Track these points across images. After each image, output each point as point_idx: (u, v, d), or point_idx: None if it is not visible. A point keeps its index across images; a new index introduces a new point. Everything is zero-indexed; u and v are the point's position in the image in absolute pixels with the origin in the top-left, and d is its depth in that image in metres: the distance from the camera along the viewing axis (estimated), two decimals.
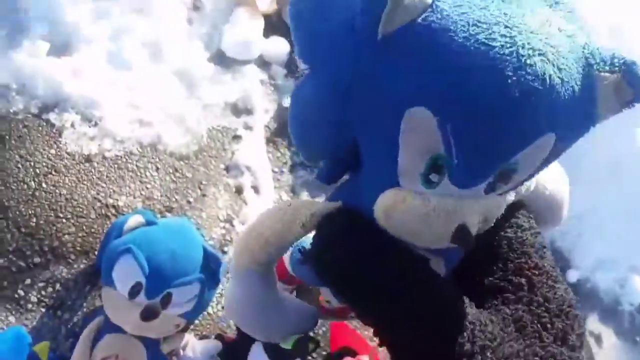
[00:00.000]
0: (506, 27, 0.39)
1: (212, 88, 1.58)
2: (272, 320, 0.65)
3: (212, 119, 1.55)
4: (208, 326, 1.27)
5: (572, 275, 1.77)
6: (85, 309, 1.19)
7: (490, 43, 0.39)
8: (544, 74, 0.39)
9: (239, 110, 1.59)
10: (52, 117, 1.37)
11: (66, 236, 1.24)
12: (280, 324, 0.66)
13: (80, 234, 1.26)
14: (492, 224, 0.50)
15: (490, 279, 0.54)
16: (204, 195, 1.43)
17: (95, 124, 1.40)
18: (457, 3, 0.40)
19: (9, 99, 1.36)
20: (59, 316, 1.18)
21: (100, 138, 1.39)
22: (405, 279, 0.49)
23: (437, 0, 0.41)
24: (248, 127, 1.58)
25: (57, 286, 1.20)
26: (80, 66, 1.45)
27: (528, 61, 0.39)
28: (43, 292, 1.19)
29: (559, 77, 0.40)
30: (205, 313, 1.27)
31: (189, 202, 1.40)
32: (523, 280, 0.53)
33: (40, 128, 1.36)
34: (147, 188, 1.38)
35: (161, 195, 1.38)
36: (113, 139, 1.40)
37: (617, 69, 0.43)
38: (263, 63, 1.68)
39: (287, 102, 1.66)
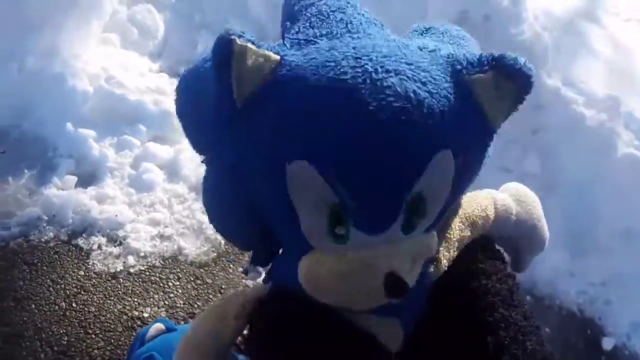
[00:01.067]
0: (355, 58, 0.39)
1: None
2: None
3: None
4: None
5: (608, 343, 1.72)
6: None
7: (341, 77, 0.38)
8: (406, 91, 0.38)
9: None
10: (80, 241, 1.50)
11: (95, 351, 1.31)
12: None
13: (108, 348, 1.32)
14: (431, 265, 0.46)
15: (451, 343, 0.49)
16: None
17: (120, 244, 1.52)
18: (306, 52, 0.41)
19: (40, 229, 1.49)
20: None
21: (124, 256, 1.50)
22: None
23: (285, 55, 0.41)
24: None
25: None
26: (104, 193, 1.60)
27: (384, 83, 0.38)
28: None
29: (425, 91, 0.39)
30: None
31: None
32: (489, 339, 0.49)
33: (69, 253, 1.47)
34: (170, 297, 1.45)
35: (184, 303, 1.45)
36: (137, 255, 1.51)
37: (487, 67, 0.41)
38: None
39: None
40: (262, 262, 0.53)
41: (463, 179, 0.43)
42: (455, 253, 0.52)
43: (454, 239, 0.51)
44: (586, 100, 1.90)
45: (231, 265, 1.57)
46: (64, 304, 1.37)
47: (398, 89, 0.39)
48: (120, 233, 1.53)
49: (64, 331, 1.32)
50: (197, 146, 0.50)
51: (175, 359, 0.61)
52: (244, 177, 0.44)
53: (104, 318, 1.36)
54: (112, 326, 1.36)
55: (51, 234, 1.49)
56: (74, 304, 1.37)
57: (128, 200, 1.60)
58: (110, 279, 1.44)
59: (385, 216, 0.41)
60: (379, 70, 0.39)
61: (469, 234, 0.53)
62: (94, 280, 1.43)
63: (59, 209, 1.53)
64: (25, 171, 1.61)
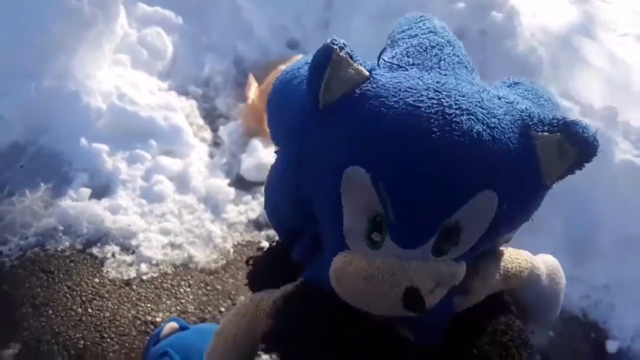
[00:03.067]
0: (436, 91, 0.44)
1: (235, 208, 1.75)
2: None
3: (237, 236, 1.70)
4: None
5: (612, 346, 1.74)
6: None
7: (417, 104, 0.42)
8: (471, 130, 0.42)
9: (261, 225, 1.74)
10: (94, 250, 1.55)
11: (111, 354, 1.35)
12: None
13: (123, 351, 1.36)
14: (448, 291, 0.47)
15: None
16: (234, 305, 1.53)
17: (133, 252, 1.57)
18: (395, 75, 0.46)
19: (57, 239, 1.55)
20: None
21: (137, 263, 1.55)
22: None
23: (375, 74, 0.46)
24: (270, 239, 1.72)
25: None
26: (117, 204, 1.65)
27: (454, 119, 0.42)
28: None
29: (488, 135, 0.42)
30: None
31: (220, 311, 1.50)
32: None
33: (84, 261, 1.52)
34: (181, 303, 1.50)
35: (195, 308, 1.49)
36: (149, 262, 1.56)
37: (556, 128, 0.43)
38: None
39: None
40: (300, 255, 0.56)
41: (505, 223, 0.46)
42: (483, 298, 0.54)
43: (489, 285, 0.53)
44: (582, 109, 1.95)
45: (240, 273, 1.61)
46: (80, 309, 1.41)
47: (464, 126, 0.42)
48: (133, 242, 1.58)
49: (80, 335, 1.37)
50: (275, 136, 0.55)
51: (208, 357, 0.62)
52: (307, 170, 0.49)
53: (118, 323, 1.41)
54: (127, 330, 1.40)
55: (67, 243, 1.55)
56: (89, 310, 1.42)
57: (140, 211, 1.65)
58: (124, 285, 1.49)
59: (419, 235, 0.44)
60: (453, 106, 0.42)
61: (500, 286, 0.56)
62: (108, 287, 1.48)
63: (74, 220, 1.59)
64: (42, 184, 1.67)
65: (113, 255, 1.55)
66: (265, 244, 1.69)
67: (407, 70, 0.47)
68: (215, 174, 1.83)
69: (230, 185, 1.80)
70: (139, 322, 1.43)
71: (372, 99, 0.45)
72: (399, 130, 0.43)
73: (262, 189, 1.85)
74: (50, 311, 1.40)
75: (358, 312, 0.50)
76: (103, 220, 1.60)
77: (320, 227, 0.51)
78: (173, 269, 1.56)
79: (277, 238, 0.64)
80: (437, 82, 0.46)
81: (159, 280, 1.53)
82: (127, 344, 1.38)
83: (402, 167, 0.42)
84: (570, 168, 0.46)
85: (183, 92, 2.09)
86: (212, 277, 1.58)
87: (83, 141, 1.76)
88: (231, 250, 1.66)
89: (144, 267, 1.54)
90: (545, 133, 0.43)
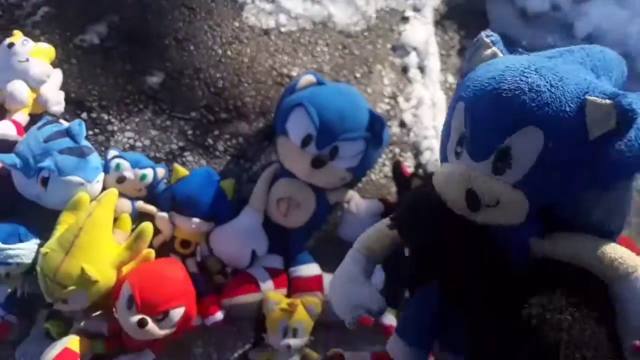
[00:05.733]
0: (528, 61, 0.56)
1: None
2: (348, 293, 0.81)
3: (380, 0, 1.57)
4: (371, 190, 1.34)
5: None
6: (262, 161, 1.32)
7: (509, 66, 0.56)
8: (533, 82, 0.54)
9: None
10: None
11: (247, 98, 1.37)
12: (351, 298, 0.80)
13: (259, 97, 1.38)
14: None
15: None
16: (370, 72, 1.47)
17: (273, 1, 1.50)
18: (514, 55, 0.61)
19: None
20: (241, 164, 1.32)
21: (276, 14, 1.49)
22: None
23: (497, 54, 0.62)
24: (416, 9, 1.58)
25: (240, 139, 1.34)
26: None
27: (525, 74, 0.54)
28: (228, 143, 1.34)
29: (547, 88, 0.53)
30: (367, 178, 1.34)
31: (355, 77, 1.46)
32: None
33: (225, 2, 1.48)
34: (317, 62, 1.46)
35: (330, 70, 1.45)
36: (288, 15, 1.49)
37: (606, 97, 0.53)
38: None
39: None
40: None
41: (555, 165, 0.55)
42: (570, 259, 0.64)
43: (578, 250, 0.62)
44: None
45: (379, 41, 1.52)
46: (220, 50, 1.41)
47: (529, 79, 0.55)
48: None
49: (220, 75, 1.38)
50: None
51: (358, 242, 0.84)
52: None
53: (255, 70, 1.41)
54: (263, 79, 1.40)
55: None
56: (228, 52, 1.41)
57: None
58: (262, 34, 1.46)
59: (482, 150, 0.57)
60: (531, 68, 0.56)
61: (598, 265, 0.62)
62: (247, 33, 1.45)
63: None
64: None
65: (253, 1, 1.49)
66: (410, 14, 1.56)
67: (526, 54, 0.62)
68: None
69: None
70: (275, 73, 1.42)
71: (490, 64, 0.61)
72: (486, 79, 0.58)
73: None
74: (192, 47, 1.41)
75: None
76: None
77: (443, 144, 0.68)
78: (312, 25, 1.50)
79: None
80: (536, 61, 0.59)
81: (297, 34, 1.48)
82: (262, 92, 1.39)
83: (478, 100, 0.57)
84: (610, 132, 0.54)
85: None
86: (350, 40, 1.50)
87: None
88: (373, 15, 1.55)
89: (282, 18, 1.48)
90: (597, 98, 0.53)
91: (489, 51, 0.61)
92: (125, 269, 1.13)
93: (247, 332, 1.25)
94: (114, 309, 1.11)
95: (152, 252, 1.15)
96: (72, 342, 1.08)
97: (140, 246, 1.11)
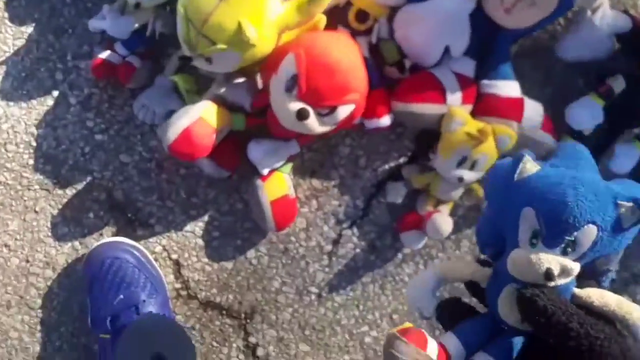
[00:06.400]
0: (572, 177, 0.68)
1: None
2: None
3: None
4: None
5: None
6: None
7: (561, 181, 0.68)
8: (585, 193, 0.66)
9: None
10: None
11: None
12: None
13: None
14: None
15: None
16: None
17: None
18: (552, 169, 0.71)
19: None
20: None
21: None
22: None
23: (544, 168, 0.71)
24: None
25: None
26: None
27: (578, 188, 0.66)
28: None
29: (594, 197, 0.67)
30: None
31: None
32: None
33: None
34: None
35: None
36: None
37: (631, 200, 0.66)
38: None
39: None
40: (491, 253, 0.78)
41: (603, 244, 0.68)
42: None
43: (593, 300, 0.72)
44: None
45: None
46: None
47: (580, 192, 0.68)
48: None
49: None
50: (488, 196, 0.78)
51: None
52: (501, 213, 0.74)
53: None
54: None
55: None
56: None
57: None
58: None
59: (556, 242, 0.68)
60: (578, 183, 0.67)
61: (608, 303, 0.70)
62: None
63: None
64: None
65: None
66: None
67: (558, 168, 0.71)
68: None
69: None
70: None
71: (542, 177, 0.70)
72: (549, 191, 0.68)
73: None
74: None
75: None
76: None
77: (506, 236, 0.74)
78: None
79: None
80: (575, 174, 0.68)
81: None
82: None
83: (550, 209, 0.67)
84: (636, 222, 0.67)
85: None
86: None
87: None
88: None
89: None
90: (625, 202, 0.66)
91: (532, 169, 0.75)
92: (284, 37, 0.85)
93: (405, 143, 1.02)
94: (265, 83, 0.86)
95: (324, 19, 0.86)
96: (208, 110, 0.86)
97: (314, 10, 0.81)
